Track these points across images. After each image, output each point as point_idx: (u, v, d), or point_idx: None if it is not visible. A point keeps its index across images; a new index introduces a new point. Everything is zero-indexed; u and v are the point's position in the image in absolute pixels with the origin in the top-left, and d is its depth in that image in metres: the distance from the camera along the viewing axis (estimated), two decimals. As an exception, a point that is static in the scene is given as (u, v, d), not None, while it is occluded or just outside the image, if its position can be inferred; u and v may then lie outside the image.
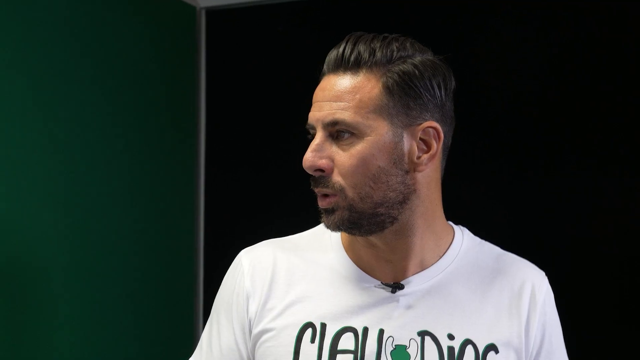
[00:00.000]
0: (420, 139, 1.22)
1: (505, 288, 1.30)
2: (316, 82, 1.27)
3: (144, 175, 2.65)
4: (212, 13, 2.97)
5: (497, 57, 2.55)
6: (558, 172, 2.47)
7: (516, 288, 1.30)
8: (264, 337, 1.26)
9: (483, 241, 1.37)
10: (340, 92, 1.20)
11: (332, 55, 1.23)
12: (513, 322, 1.28)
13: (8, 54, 2.13)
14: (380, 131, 1.19)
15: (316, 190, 1.23)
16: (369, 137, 1.19)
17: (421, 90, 1.21)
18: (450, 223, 1.35)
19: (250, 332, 1.28)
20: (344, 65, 1.22)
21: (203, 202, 2.95)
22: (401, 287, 1.25)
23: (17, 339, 2.13)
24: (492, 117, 2.55)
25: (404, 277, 1.27)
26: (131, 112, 2.61)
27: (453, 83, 1.28)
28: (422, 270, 1.27)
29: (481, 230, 1.41)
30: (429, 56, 1.25)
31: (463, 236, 1.34)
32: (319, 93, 1.23)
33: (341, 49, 1.22)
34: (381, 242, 1.26)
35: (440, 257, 1.29)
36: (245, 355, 1.29)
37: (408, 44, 1.24)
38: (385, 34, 1.25)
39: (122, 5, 2.57)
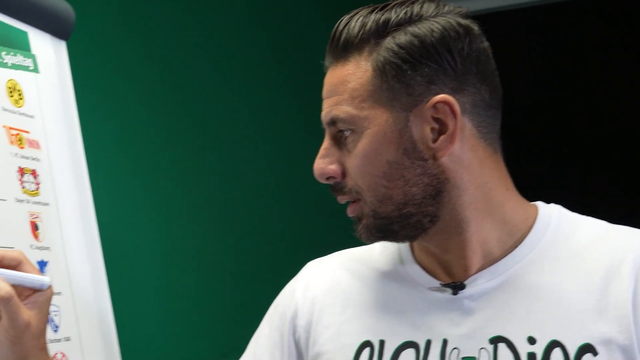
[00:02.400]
0: (433, 118, 1.02)
1: (603, 269, 1.02)
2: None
3: (305, 173, 2.59)
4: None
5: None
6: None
7: (619, 267, 1.02)
8: None
9: (582, 217, 1.11)
10: (333, 86, 1.04)
11: (328, 44, 1.06)
12: (614, 312, 1.00)
13: (179, 54, 2.18)
14: (379, 121, 1.02)
15: (338, 198, 1.07)
16: (368, 131, 1.02)
17: (422, 60, 1.00)
18: (538, 203, 1.11)
19: (297, 347, 1.15)
20: (336, 53, 1.04)
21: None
22: (462, 286, 1.05)
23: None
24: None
25: (468, 276, 1.06)
26: (302, 108, 2.61)
27: (475, 43, 1.05)
28: (490, 265, 1.06)
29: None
30: (447, 17, 1.03)
31: (551, 217, 1.09)
32: (323, 91, 1.07)
33: (332, 33, 1.04)
34: (432, 244, 1.08)
35: (516, 247, 1.06)
36: None
37: (417, 7, 1.02)
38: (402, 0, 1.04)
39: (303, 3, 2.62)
